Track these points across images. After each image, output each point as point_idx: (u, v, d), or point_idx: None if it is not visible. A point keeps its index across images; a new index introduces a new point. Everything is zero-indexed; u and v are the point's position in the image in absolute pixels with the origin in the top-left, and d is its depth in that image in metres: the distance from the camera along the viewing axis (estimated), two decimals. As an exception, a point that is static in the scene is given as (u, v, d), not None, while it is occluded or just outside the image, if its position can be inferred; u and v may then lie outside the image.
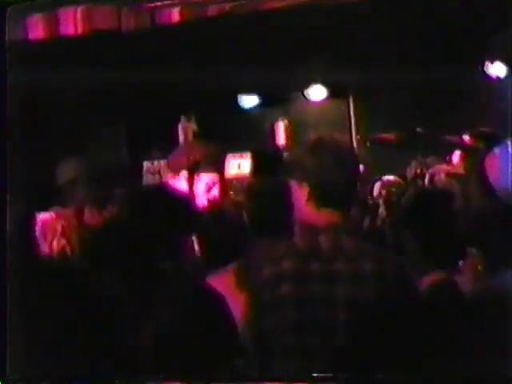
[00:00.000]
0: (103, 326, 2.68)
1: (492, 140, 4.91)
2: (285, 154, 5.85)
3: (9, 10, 2.96)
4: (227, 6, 5.85)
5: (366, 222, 5.48)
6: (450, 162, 5.89)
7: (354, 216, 2.76)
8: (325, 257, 2.67)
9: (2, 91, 2.97)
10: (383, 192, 6.22)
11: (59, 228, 2.94)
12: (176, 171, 4.20)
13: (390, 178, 6.05)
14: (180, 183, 4.16)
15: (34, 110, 5.86)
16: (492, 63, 7.07)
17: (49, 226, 3.01)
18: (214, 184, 4.21)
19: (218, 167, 4.26)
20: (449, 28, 6.49)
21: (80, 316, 2.69)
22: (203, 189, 4.20)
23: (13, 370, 2.58)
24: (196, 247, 3.28)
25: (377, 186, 6.13)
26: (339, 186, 2.73)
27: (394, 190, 6.02)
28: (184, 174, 4.15)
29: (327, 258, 2.66)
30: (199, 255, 3.37)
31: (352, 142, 4.56)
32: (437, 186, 5.26)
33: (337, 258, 2.66)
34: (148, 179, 6.73)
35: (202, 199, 4.18)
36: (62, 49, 6.05)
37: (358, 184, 2.91)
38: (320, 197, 2.72)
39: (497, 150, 4.33)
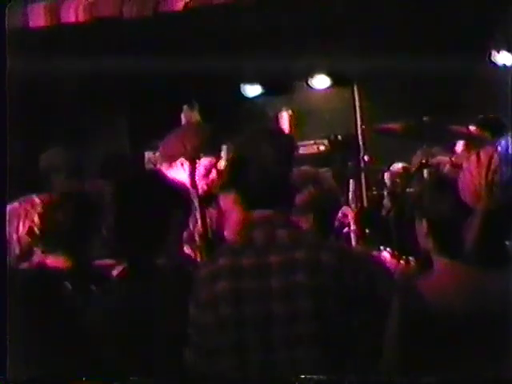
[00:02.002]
0: (102, 325, 2.64)
1: (498, 130, 4.85)
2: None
3: (8, -4, 2.91)
4: (230, -7, 5.82)
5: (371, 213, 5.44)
6: (454, 151, 5.83)
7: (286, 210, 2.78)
8: (259, 250, 2.67)
9: (1, 79, 2.92)
10: (388, 183, 6.18)
11: (23, 213, 2.82)
12: (171, 159, 4.10)
13: (399, 166, 5.96)
14: (176, 171, 4.07)
15: (34, 98, 5.82)
16: (498, 52, 7.01)
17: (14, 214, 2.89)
18: (211, 168, 4.13)
19: (215, 151, 4.18)
20: (455, 16, 6.43)
21: (79, 316, 2.66)
22: (200, 174, 4.12)
23: (13, 371, 2.55)
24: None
25: (387, 176, 6.07)
26: (264, 188, 2.77)
27: (398, 180, 5.97)
28: (180, 161, 4.07)
29: (261, 251, 2.66)
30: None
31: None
32: (444, 176, 5.19)
33: (270, 250, 2.66)
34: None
35: (198, 184, 4.10)
36: (62, 36, 6.01)
37: (289, 180, 2.90)
38: (248, 201, 2.77)
39: (502, 141, 4.27)
